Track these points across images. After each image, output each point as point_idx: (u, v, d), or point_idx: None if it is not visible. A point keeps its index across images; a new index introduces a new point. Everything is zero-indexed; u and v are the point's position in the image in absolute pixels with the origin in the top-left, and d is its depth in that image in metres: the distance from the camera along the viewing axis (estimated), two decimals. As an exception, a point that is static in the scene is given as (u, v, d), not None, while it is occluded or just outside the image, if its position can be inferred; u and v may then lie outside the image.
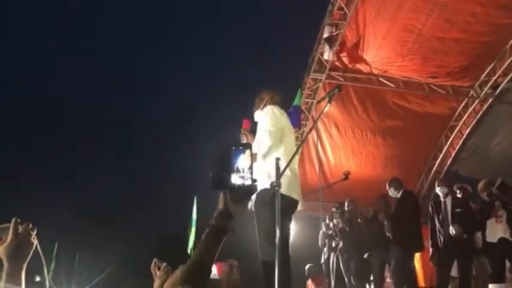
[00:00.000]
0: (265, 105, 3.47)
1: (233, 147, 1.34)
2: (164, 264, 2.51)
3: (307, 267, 7.69)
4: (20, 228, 1.42)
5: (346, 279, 6.26)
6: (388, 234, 5.42)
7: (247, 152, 1.34)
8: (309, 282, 7.82)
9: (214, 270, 3.22)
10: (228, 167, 1.31)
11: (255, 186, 1.36)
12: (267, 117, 3.30)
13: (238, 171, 1.32)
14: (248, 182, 1.33)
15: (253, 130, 3.48)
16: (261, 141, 3.22)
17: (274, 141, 3.17)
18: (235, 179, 1.32)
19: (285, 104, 3.67)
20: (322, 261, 6.77)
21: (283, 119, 3.35)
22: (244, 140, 3.44)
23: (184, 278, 1.30)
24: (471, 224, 4.91)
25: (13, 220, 1.42)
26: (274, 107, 3.40)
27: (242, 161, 1.33)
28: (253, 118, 3.53)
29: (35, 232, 1.45)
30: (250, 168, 1.34)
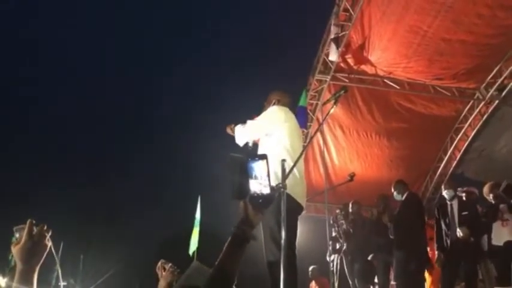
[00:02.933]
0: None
1: (249, 159, 1.37)
2: (170, 264, 2.52)
3: (310, 268, 7.68)
4: (35, 229, 1.43)
5: (350, 282, 6.24)
6: (391, 236, 5.42)
7: (264, 161, 1.37)
8: (313, 283, 7.81)
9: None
10: (247, 175, 1.34)
11: (274, 194, 1.38)
12: (263, 113, 3.42)
13: (257, 178, 1.35)
14: (266, 190, 1.36)
15: None
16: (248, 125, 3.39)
17: (250, 133, 3.37)
18: (254, 185, 1.34)
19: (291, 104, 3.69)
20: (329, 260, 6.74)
21: (288, 120, 3.34)
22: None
23: (208, 287, 1.31)
24: (478, 227, 4.89)
25: (28, 221, 1.42)
26: (279, 107, 3.41)
27: (259, 169, 1.36)
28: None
29: (49, 234, 1.46)
30: (268, 176, 1.36)
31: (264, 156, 1.39)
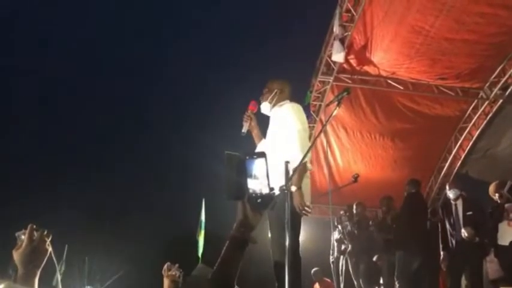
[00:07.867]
0: (274, 98, 3.33)
1: (247, 157, 1.30)
2: (179, 268, 2.55)
3: (313, 271, 7.66)
4: (36, 234, 1.45)
5: (355, 283, 6.23)
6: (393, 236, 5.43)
7: (263, 159, 1.30)
8: (316, 285, 7.79)
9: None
10: (244, 175, 1.27)
11: (273, 194, 1.32)
12: (294, 113, 3.19)
13: (255, 177, 1.28)
14: (266, 191, 1.29)
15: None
16: (291, 141, 3.11)
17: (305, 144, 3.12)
18: (252, 185, 1.27)
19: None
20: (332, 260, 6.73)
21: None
22: (246, 124, 3.29)
23: None
24: (483, 226, 4.87)
25: (29, 226, 1.45)
26: (295, 104, 3.30)
27: (258, 167, 1.29)
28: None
29: (49, 239, 1.48)
30: (267, 176, 1.30)
31: (263, 155, 1.33)
